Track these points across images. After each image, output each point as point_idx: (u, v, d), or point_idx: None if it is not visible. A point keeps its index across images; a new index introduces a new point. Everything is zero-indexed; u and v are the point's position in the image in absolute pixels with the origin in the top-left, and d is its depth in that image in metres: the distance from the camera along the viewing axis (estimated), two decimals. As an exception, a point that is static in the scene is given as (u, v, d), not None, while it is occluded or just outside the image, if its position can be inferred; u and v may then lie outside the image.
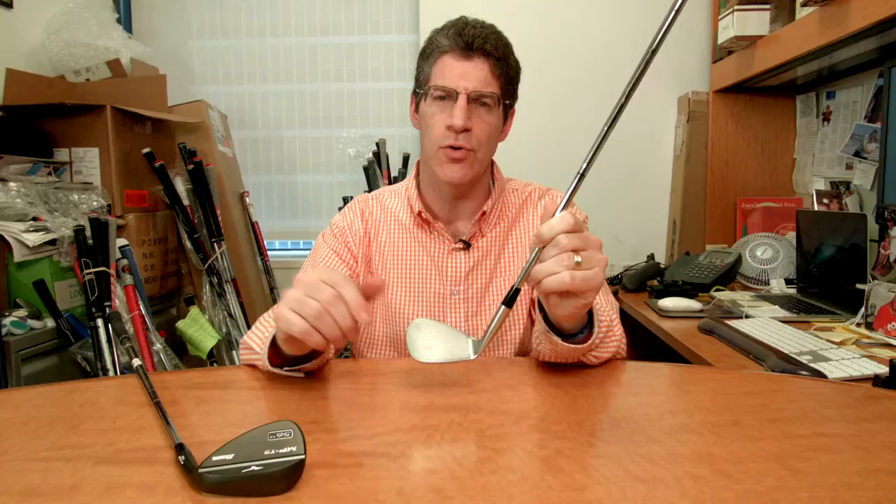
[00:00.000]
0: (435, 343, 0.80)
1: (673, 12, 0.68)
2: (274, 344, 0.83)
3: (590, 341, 0.82)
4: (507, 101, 1.05)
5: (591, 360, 0.88)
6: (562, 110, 2.52)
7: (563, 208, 0.73)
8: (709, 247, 2.18)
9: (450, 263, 1.08)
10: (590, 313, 0.83)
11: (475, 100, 0.99)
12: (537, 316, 0.85)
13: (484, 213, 1.08)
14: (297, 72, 2.70)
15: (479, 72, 0.99)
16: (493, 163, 1.12)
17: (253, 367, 0.92)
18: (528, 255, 1.07)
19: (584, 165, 0.73)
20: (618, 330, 0.93)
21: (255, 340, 0.89)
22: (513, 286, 0.76)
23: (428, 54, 1.03)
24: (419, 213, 1.08)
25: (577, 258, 0.71)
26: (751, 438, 0.62)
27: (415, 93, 1.07)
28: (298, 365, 0.83)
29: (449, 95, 0.99)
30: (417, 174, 1.13)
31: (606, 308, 0.94)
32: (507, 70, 1.02)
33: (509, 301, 0.76)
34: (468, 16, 1.03)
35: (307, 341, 0.73)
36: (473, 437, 0.63)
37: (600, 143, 0.72)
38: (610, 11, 2.52)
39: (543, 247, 0.72)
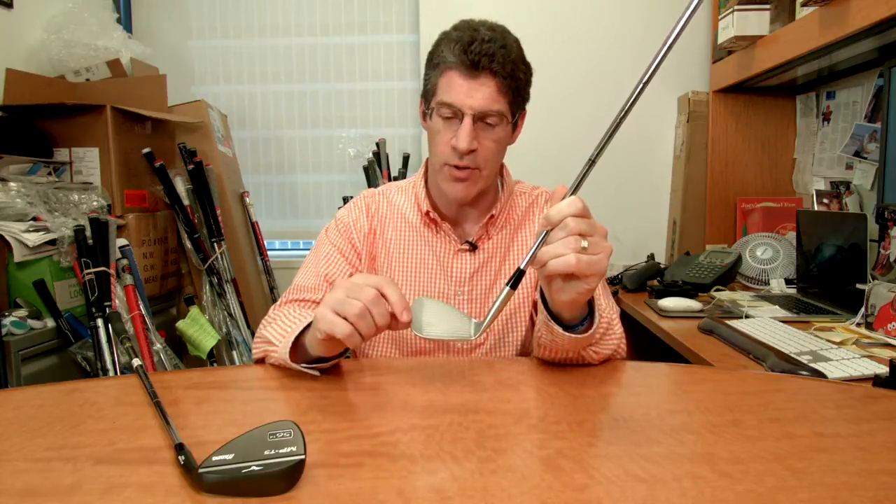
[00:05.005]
0: (437, 320, 0.80)
1: (691, 9, 0.69)
2: (295, 342, 0.84)
3: (591, 331, 0.82)
4: (515, 114, 1.03)
5: (591, 357, 0.88)
6: (563, 109, 2.52)
7: (572, 193, 0.73)
8: (709, 247, 2.18)
9: (455, 264, 1.08)
10: (591, 306, 0.84)
11: (480, 119, 0.98)
12: (539, 307, 0.85)
13: (492, 215, 1.08)
14: (297, 72, 2.70)
15: (486, 89, 0.97)
16: (502, 165, 1.12)
17: (261, 361, 0.92)
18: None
19: (595, 153, 0.73)
20: (618, 329, 0.93)
21: (274, 334, 0.90)
22: (518, 268, 0.76)
23: (435, 64, 1.01)
24: (427, 213, 1.08)
25: (584, 243, 0.71)
26: (751, 438, 0.62)
27: (423, 98, 1.07)
28: (318, 363, 0.84)
29: (455, 115, 0.98)
30: (426, 172, 1.12)
31: (607, 308, 0.94)
32: (514, 85, 0.99)
33: (514, 283, 0.76)
34: (475, 19, 1.01)
35: (347, 342, 0.75)
36: (473, 437, 0.63)
37: (613, 131, 0.72)
38: (612, 11, 2.52)
39: (551, 229, 0.73)
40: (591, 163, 0.73)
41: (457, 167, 1.00)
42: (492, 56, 0.96)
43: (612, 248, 0.75)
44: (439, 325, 0.80)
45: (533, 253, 0.74)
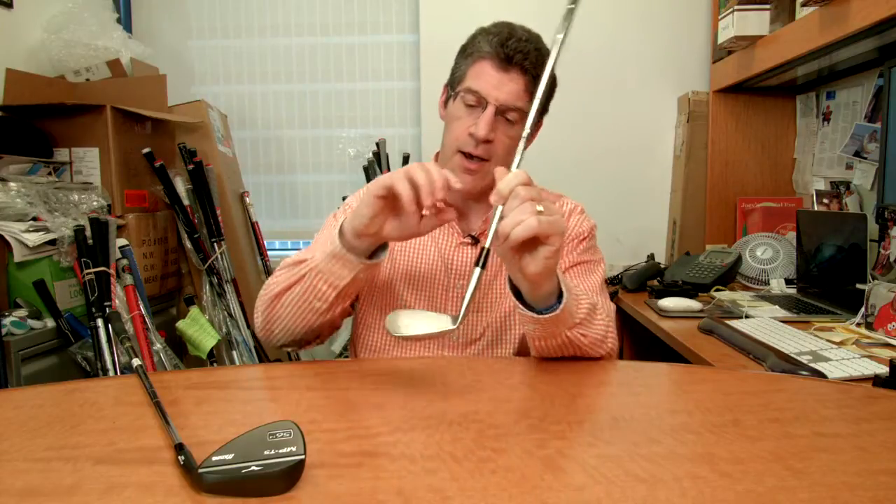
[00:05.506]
0: (414, 322, 0.80)
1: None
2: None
3: (563, 303, 0.83)
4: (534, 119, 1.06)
5: (580, 340, 0.89)
6: (561, 109, 2.51)
7: (517, 167, 0.78)
8: (709, 247, 2.18)
9: (456, 256, 1.08)
10: (559, 290, 0.85)
11: (502, 112, 1.00)
12: (514, 302, 0.86)
13: None
14: (297, 72, 2.70)
15: (514, 85, 1.00)
16: None
17: (277, 300, 0.95)
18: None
19: (528, 128, 0.82)
20: (605, 316, 0.95)
21: (298, 257, 0.95)
22: (482, 247, 0.77)
23: (469, 54, 1.03)
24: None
25: (539, 207, 0.74)
26: (751, 438, 0.62)
27: (448, 86, 1.09)
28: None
29: (479, 103, 1.00)
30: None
31: (601, 310, 0.95)
32: None
33: (483, 263, 0.77)
34: (514, 23, 1.04)
35: (403, 193, 0.79)
36: (473, 437, 0.63)
37: (539, 106, 0.83)
38: (611, 11, 2.51)
39: (504, 204, 0.76)
40: (525, 139, 0.81)
41: (469, 157, 1.01)
42: (526, 54, 0.99)
43: (563, 210, 0.77)
44: (416, 325, 0.80)
45: (494, 230, 0.76)
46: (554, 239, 0.76)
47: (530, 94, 1.01)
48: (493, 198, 0.76)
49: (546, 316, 0.83)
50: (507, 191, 0.75)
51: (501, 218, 0.75)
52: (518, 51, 0.99)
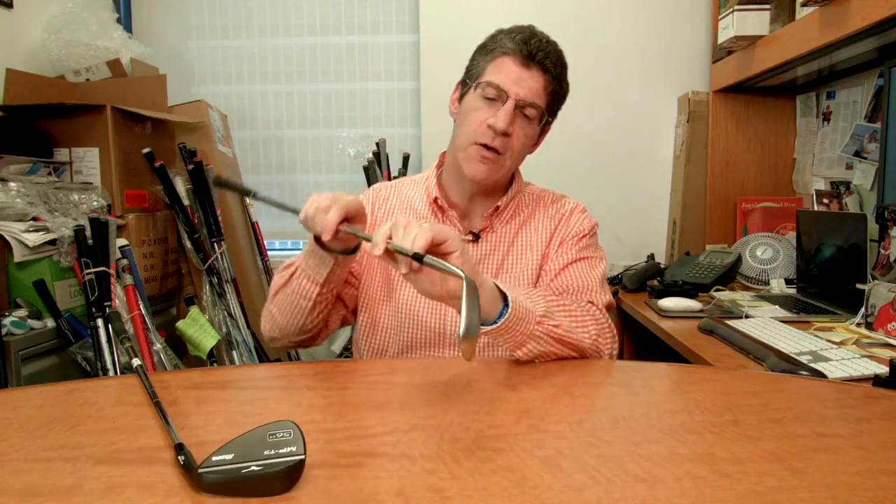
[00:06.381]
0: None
1: None
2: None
3: (509, 298, 0.83)
4: (549, 119, 1.08)
5: (553, 332, 0.89)
6: (562, 110, 2.52)
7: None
8: (709, 247, 2.18)
9: None
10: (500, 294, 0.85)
11: (521, 108, 1.01)
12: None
13: (497, 207, 1.10)
14: (297, 72, 2.70)
15: (534, 83, 1.01)
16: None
17: (272, 301, 1.01)
18: (531, 254, 1.09)
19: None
20: (592, 307, 0.98)
21: (293, 259, 1.01)
22: (411, 256, 0.75)
23: (489, 51, 1.04)
24: (435, 199, 1.10)
25: (424, 223, 0.76)
26: (751, 438, 0.62)
27: (463, 83, 1.09)
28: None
29: (498, 97, 1.01)
30: (440, 165, 1.15)
31: (594, 297, 1.00)
32: (558, 89, 1.05)
33: (422, 257, 0.74)
34: (535, 27, 1.05)
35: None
36: (473, 437, 0.63)
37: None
38: (611, 11, 2.52)
39: (390, 241, 0.76)
40: (253, 196, 0.90)
41: (485, 147, 1.02)
42: (548, 54, 1.01)
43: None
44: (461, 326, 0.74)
45: (404, 258, 0.75)
46: (450, 243, 0.77)
47: (547, 93, 1.03)
48: (374, 251, 0.75)
49: (504, 318, 0.83)
50: (383, 236, 0.75)
51: (399, 257, 0.75)
52: (540, 49, 1.00)
